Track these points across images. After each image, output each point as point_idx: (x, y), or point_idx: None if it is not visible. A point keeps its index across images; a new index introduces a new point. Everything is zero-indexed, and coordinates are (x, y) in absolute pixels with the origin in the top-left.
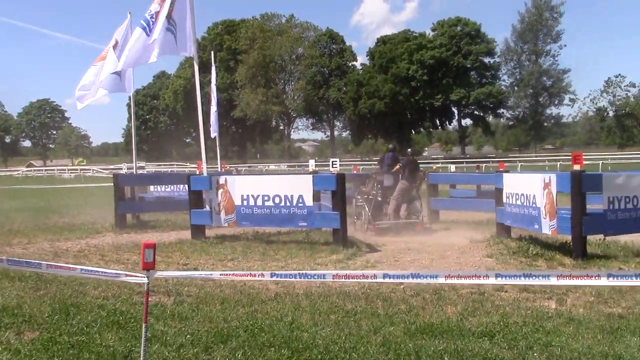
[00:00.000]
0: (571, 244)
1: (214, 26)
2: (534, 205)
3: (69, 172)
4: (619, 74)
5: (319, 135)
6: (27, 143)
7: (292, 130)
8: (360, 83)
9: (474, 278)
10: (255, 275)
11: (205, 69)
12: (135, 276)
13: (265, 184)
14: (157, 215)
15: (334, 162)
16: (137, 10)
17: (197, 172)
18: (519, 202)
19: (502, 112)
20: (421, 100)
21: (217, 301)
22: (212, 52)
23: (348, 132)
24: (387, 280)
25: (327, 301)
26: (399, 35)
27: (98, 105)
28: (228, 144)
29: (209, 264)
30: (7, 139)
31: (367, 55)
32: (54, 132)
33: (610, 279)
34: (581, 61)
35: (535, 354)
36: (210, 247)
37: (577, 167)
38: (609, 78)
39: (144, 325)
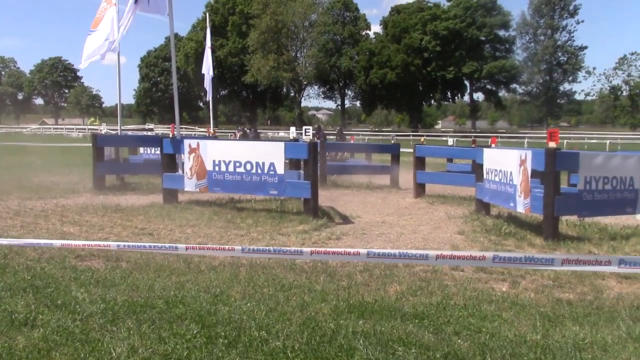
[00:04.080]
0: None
1: None
2: (510, 183)
3: (77, 131)
4: (634, 52)
5: (332, 104)
6: (39, 101)
7: (303, 98)
8: (373, 52)
9: (469, 259)
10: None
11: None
12: None
13: (238, 150)
14: (145, 178)
15: (306, 130)
16: None
17: (170, 135)
18: (497, 179)
19: (515, 87)
20: (433, 72)
21: (152, 269)
22: (207, 14)
23: (359, 102)
24: (371, 259)
25: (267, 273)
26: (413, 5)
27: (110, 65)
28: (239, 109)
29: (167, 229)
30: (20, 96)
31: (380, 25)
32: (66, 90)
33: (622, 265)
34: (597, 37)
35: (459, 340)
36: (177, 212)
37: (552, 144)
38: (624, 55)
39: None
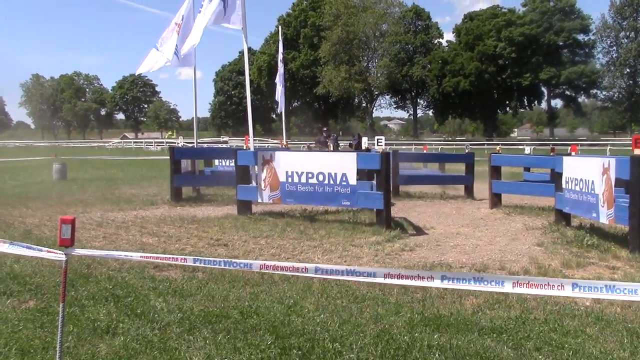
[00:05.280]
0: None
1: (298, 2)
2: (592, 192)
3: (156, 144)
4: None
5: (404, 114)
6: (120, 116)
7: (375, 108)
8: (445, 61)
9: (546, 287)
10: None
11: (289, 46)
12: (54, 253)
13: (310, 161)
14: (220, 190)
15: (379, 140)
16: None
17: (245, 147)
18: (577, 188)
19: (596, 93)
20: (508, 79)
21: (227, 279)
22: (280, 27)
23: (432, 111)
24: (445, 284)
25: (340, 284)
26: (486, 11)
27: (186, 80)
28: (311, 120)
29: (242, 240)
30: (102, 112)
31: (453, 32)
32: (146, 105)
33: None
34: None
35: (540, 356)
36: (251, 223)
37: (637, 152)
38: None
39: (61, 305)
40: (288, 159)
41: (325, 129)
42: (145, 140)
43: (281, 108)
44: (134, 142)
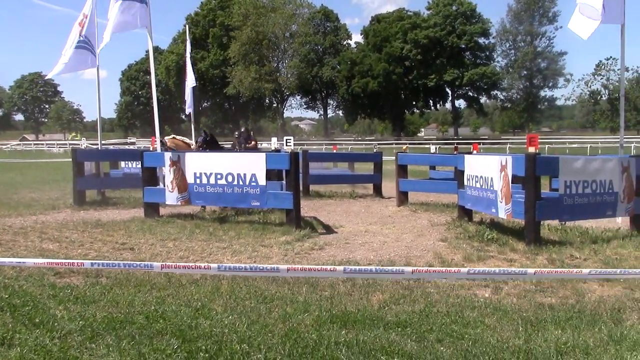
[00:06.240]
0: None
1: (207, 1)
2: (491, 189)
3: (58, 146)
4: (611, 57)
5: (315, 114)
6: (19, 117)
7: (285, 108)
8: (354, 62)
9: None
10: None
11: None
12: None
13: (218, 162)
14: (127, 192)
15: (287, 140)
16: None
17: (151, 149)
18: (478, 185)
19: (496, 94)
20: (415, 80)
21: (133, 284)
22: (187, 27)
23: (342, 111)
24: (347, 275)
25: (249, 285)
26: (393, 14)
27: (91, 80)
28: (221, 120)
29: (149, 243)
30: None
31: (361, 34)
32: (47, 106)
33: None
34: (577, 43)
35: (442, 348)
36: (159, 226)
37: (532, 150)
38: (600, 61)
39: None
40: (196, 160)
41: (242, 129)
42: (47, 142)
43: (190, 108)
44: (35, 144)
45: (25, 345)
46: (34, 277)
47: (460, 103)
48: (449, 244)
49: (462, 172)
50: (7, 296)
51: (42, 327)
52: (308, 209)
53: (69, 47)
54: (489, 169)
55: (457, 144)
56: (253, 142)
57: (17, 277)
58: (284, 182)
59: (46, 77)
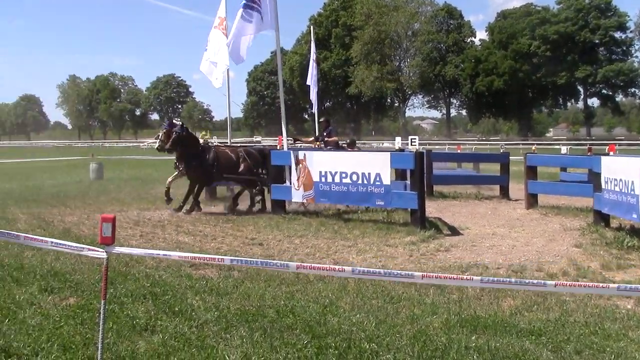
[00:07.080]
0: None
1: (330, 2)
2: (632, 192)
3: None
4: None
5: (437, 113)
6: (155, 116)
7: (407, 107)
8: (478, 59)
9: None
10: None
11: (321, 45)
12: (95, 251)
13: (344, 161)
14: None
15: (412, 140)
16: None
17: (278, 147)
18: (617, 189)
19: (634, 91)
20: (543, 77)
21: (263, 278)
22: (311, 28)
23: (465, 110)
24: (487, 285)
25: (376, 284)
26: (520, 9)
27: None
28: (343, 120)
29: (276, 239)
30: (137, 112)
31: (486, 31)
32: (179, 106)
33: None
34: None
35: None
36: (285, 223)
37: None
38: None
39: (102, 302)
40: (321, 158)
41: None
42: None
43: (314, 108)
44: None
45: (167, 332)
46: (172, 268)
47: (594, 101)
48: (584, 250)
49: (598, 174)
50: (149, 285)
51: (181, 315)
52: (432, 209)
53: (216, 51)
54: (629, 172)
55: (590, 144)
56: (334, 137)
57: (157, 267)
58: (407, 181)
59: (217, 87)
